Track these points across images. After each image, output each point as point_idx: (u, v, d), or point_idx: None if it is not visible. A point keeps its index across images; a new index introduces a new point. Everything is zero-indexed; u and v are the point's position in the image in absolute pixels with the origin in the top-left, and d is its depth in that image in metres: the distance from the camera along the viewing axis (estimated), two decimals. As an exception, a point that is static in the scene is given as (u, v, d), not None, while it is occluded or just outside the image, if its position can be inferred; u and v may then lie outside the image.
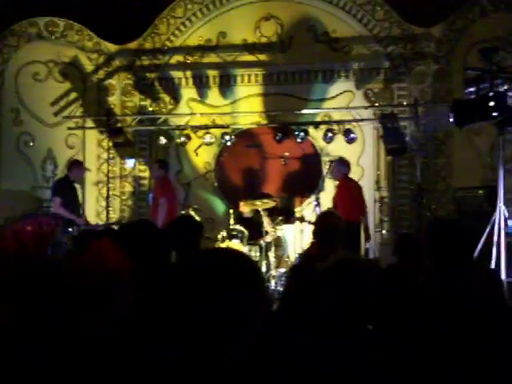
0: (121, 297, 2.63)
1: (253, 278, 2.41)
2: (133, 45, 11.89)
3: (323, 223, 5.58)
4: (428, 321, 3.35)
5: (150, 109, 11.85)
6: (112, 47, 11.95)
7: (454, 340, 3.27)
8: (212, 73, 11.69)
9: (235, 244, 10.10)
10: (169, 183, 10.69)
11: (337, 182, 10.06)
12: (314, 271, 3.76)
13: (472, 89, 7.90)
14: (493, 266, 7.45)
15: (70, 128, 11.85)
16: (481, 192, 9.66)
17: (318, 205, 10.14)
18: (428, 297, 3.42)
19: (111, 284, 2.60)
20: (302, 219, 10.28)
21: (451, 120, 8.13)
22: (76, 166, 10.46)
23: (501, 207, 7.86)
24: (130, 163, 11.53)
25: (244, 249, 10.04)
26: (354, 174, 10.91)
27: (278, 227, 10.58)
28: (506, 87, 7.81)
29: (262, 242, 10.19)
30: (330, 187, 10.93)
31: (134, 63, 11.88)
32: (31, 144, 11.95)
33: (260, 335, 2.76)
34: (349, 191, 9.78)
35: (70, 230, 9.55)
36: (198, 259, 2.51)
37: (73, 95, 12.02)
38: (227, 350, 2.32)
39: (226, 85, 11.67)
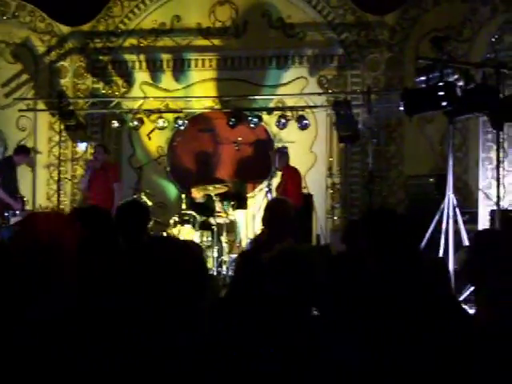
0: (59, 276, 2.56)
1: (195, 269, 2.42)
2: (86, 27, 11.74)
3: (273, 211, 5.53)
4: (372, 309, 3.36)
5: (103, 91, 11.72)
6: (65, 29, 11.78)
7: (399, 328, 3.28)
8: (166, 56, 11.62)
9: (187, 229, 10.09)
10: (118, 168, 10.76)
11: (280, 171, 10.10)
12: (259, 259, 3.73)
13: (423, 78, 7.95)
14: (441, 253, 7.52)
15: (20, 110, 11.69)
16: (431, 180, 9.76)
17: (270, 191, 10.15)
18: (371, 285, 3.42)
19: (45, 261, 2.52)
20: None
21: (401, 109, 8.17)
22: (23, 152, 10.41)
23: (450, 195, 7.94)
24: (81, 146, 11.39)
25: (196, 234, 10.06)
26: (306, 161, 11.00)
27: (230, 212, 10.55)
28: (456, 77, 7.88)
29: (212, 221, 10.18)
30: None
31: (86, 45, 11.74)
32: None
33: (208, 322, 2.74)
34: (293, 180, 9.87)
35: (6, 214, 9.51)
36: (144, 249, 2.51)
37: (24, 77, 11.85)
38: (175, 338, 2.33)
39: (180, 69, 11.60)
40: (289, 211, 5.51)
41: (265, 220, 5.52)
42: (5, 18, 11.78)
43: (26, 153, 10.45)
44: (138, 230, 5.03)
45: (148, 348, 2.45)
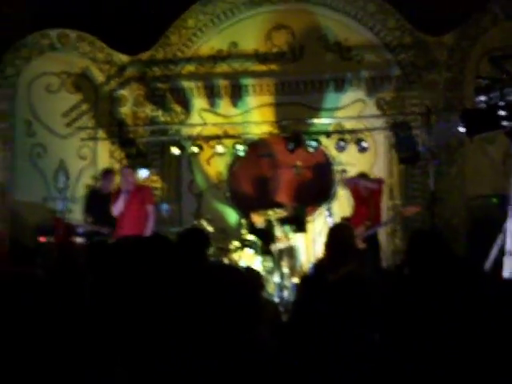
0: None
1: (248, 296, 2.49)
2: (144, 56, 11.96)
3: (335, 235, 5.60)
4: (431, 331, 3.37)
5: (162, 119, 11.91)
6: (124, 58, 12.03)
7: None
8: (223, 83, 11.76)
9: (248, 254, 10.13)
10: (152, 190, 10.79)
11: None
12: (324, 283, 3.78)
13: (482, 98, 7.88)
14: (506, 275, 7.43)
15: (82, 139, 11.93)
16: (494, 200, 9.66)
17: (330, 214, 10.18)
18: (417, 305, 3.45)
19: None
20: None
21: (461, 130, 8.13)
22: (104, 175, 10.65)
23: (513, 215, 7.84)
24: (143, 174, 11.52)
25: (257, 259, 10.09)
26: None
27: (291, 236, 10.58)
28: (516, 96, 7.80)
29: (274, 249, 10.22)
30: (342, 197, 10.97)
31: (145, 74, 11.95)
32: (43, 155, 12.00)
33: (268, 347, 2.79)
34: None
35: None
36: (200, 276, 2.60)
37: (85, 106, 12.10)
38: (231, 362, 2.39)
39: (238, 95, 11.73)
40: (351, 236, 5.57)
41: (327, 244, 5.58)
42: (65, 49, 12.07)
43: (105, 175, 10.65)
44: (199, 257, 5.14)
45: (207, 372, 2.51)
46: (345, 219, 9.88)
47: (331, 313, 3.34)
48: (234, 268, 3.44)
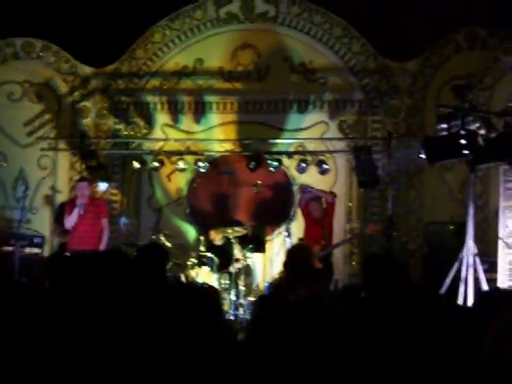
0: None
1: (210, 313, 2.51)
2: (109, 68, 11.95)
3: (294, 256, 5.64)
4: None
5: (125, 132, 11.89)
6: (88, 70, 11.99)
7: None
8: (187, 99, 11.79)
9: (205, 271, 10.14)
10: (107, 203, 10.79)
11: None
12: (282, 302, 3.81)
13: (444, 125, 8.03)
14: (460, 301, 7.54)
15: (42, 149, 11.87)
16: (451, 227, 9.80)
17: (289, 235, 10.24)
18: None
19: None
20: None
21: (423, 156, 8.24)
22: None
23: (469, 243, 7.97)
24: (102, 186, 11.49)
25: (213, 276, 10.11)
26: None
27: (248, 255, 10.61)
28: (477, 125, 7.95)
29: (231, 269, 10.23)
30: (301, 217, 11.00)
31: (109, 86, 11.93)
32: (3, 164, 11.89)
33: (223, 364, 2.82)
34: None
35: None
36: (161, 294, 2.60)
37: (47, 116, 12.04)
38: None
39: (201, 111, 11.75)
40: (310, 257, 5.63)
41: (285, 265, 5.62)
42: (30, 58, 12.02)
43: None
44: (158, 273, 5.16)
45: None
46: (300, 239, 9.94)
47: (291, 332, 3.37)
48: (193, 286, 3.46)
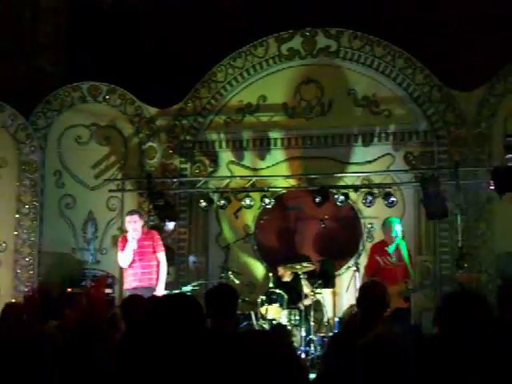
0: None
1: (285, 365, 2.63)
2: (174, 108, 12.29)
3: (368, 293, 5.63)
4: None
5: (190, 171, 12.19)
6: (153, 111, 12.36)
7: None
8: (251, 136, 12.04)
9: (274, 308, 10.24)
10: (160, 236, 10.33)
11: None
12: (353, 343, 3.88)
13: (512, 155, 8.07)
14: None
15: (110, 190, 12.18)
16: (524, 257, 9.75)
17: (358, 269, 10.30)
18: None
19: None
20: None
21: (492, 187, 8.26)
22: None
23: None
24: (170, 226, 11.72)
25: (283, 313, 10.21)
26: None
27: (317, 291, 10.70)
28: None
29: (301, 305, 10.34)
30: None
31: (174, 127, 12.26)
32: (73, 206, 12.30)
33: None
34: None
35: None
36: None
37: (113, 158, 12.41)
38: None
39: (266, 147, 11.99)
40: (384, 293, 5.60)
41: (359, 302, 5.64)
42: (96, 101, 12.44)
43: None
44: (228, 315, 5.29)
45: None
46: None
47: (362, 373, 3.46)
48: (266, 335, 3.51)
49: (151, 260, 9.76)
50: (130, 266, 9.71)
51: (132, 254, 9.65)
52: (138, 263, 9.69)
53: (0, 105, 12.40)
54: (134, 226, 9.78)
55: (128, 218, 10.02)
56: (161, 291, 9.60)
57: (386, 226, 10.07)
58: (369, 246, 10.95)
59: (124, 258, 9.70)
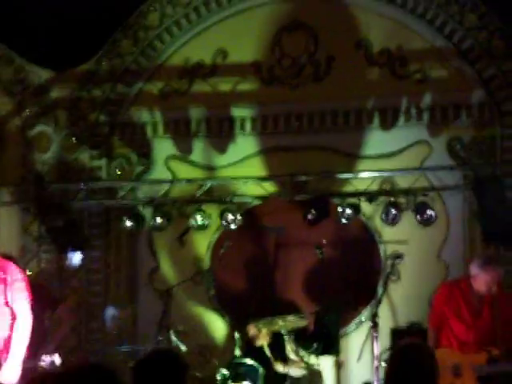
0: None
1: None
2: (79, 71, 12.76)
3: (402, 361, 5.96)
4: None
5: (107, 173, 12.70)
6: (46, 74, 12.85)
7: None
8: (205, 114, 12.58)
9: (244, 389, 10.70)
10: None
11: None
12: None
13: None
14: None
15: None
16: None
17: (375, 326, 10.73)
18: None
19: None
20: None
21: None
22: None
23: None
24: (74, 259, 12.27)
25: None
26: (432, 273, 11.77)
27: (312, 360, 11.21)
28: None
29: (286, 378, 10.92)
30: (395, 295, 11.76)
31: (80, 100, 12.76)
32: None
33: None
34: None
35: None
36: None
37: (-21, 151, 12.71)
38: None
39: (227, 133, 12.54)
40: (427, 362, 5.88)
41: (390, 375, 5.91)
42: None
43: None
44: None
45: None
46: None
47: None
48: None
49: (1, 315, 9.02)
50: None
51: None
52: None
53: None
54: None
55: None
56: (11, 374, 8.79)
57: None
58: (393, 288, 11.59)
59: None
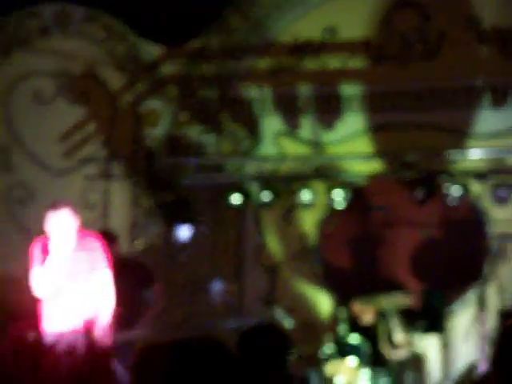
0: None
1: None
2: (190, 47, 12.80)
3: (510, 342, 5.69)
4: None
5: (215, 148, 12.70)
6: (156, 51, 12.89)
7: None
8: (313, 91, 12.47)
9: (348, 365, 10.68)
10: None
11: None
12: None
13: None
14: None
15: (88, 177, 12.74)
16: None
17: (483, 306, 10.48)
18: None
19: None
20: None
21: None
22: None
23: None
24: (183, 233, 12.26)
25: (362, 373, 10.63)
26: None
27: (417, 339, 11.13)
28: None
29: (390, 358, 10.81)
30: (503, 276, 11.49)
31: (190, 76, 12.77)
32: (28, 202, 12.75)
33: None
34: None
35: None
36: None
37: (93, 126, 12.92)
38: None
39: (335, 110, 12.42)
40: None
41: (496, 356, 5.66)
42: (65, 35, 12.85)
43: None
44: (276, 369, 5.62)
45: None
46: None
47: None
48: None
49: (90, 284, 9.00)
50: (53, 295, 8.98)
51: (59, 275, 8.96)
52: (69, 290, 9.02)
53: None
54: (63, 226, 8.91)
55: (52, 215, 8.93)
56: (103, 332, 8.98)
57: None
58: (501, 268, 11.40)
59: (43, 280, 8.89)
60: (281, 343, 5.53)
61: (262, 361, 5.38)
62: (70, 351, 8.54)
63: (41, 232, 11.46)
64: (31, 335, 9.09)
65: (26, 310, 11.12)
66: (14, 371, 8.67)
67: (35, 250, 9.01)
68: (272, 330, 5.92)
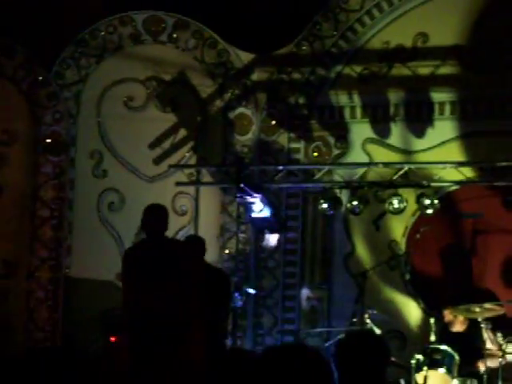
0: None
1: None
2: (279, 54, 12.50)
3: None
4: None
5: (305, 155, 12.31)
6: (247, 57, 12.60)
7: None
8: (404, 98, 12.16)
9: (439, 375, 10.22)
10: None
11: None
12: None
13: None
14: None
15: (178, 183, 12.42)
16: None
17: None
18: None
19: None
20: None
21: None
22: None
23: None
24: (271, 239, 11.93)
25: (453, 382, 10.19)
26: None
27: (509, 349, 10.67)
28: None
29: (481, 370, 10.33)
30: None
31: (280, 83, 12.47)
32: (119, 207, 12.62)
33: None
34: None
35: None
36: None
37: (184, 132, 12.68)
38: None
39: (426, 118, 12.09)
40: None
41: None
42: (156, 42, 12.68)
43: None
44: (371, 377, 5.31)
45: None
46: None
47: None
48: None
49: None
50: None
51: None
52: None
53: (9, 46, 12.71)
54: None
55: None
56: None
57: None
58: None
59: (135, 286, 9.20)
60: (381, 351, 5.12)
61: (360, 368, 4.97)
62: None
63: (131, 238, 11.51)
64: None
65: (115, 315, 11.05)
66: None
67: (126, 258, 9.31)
68: (371, 336, 5.90)
